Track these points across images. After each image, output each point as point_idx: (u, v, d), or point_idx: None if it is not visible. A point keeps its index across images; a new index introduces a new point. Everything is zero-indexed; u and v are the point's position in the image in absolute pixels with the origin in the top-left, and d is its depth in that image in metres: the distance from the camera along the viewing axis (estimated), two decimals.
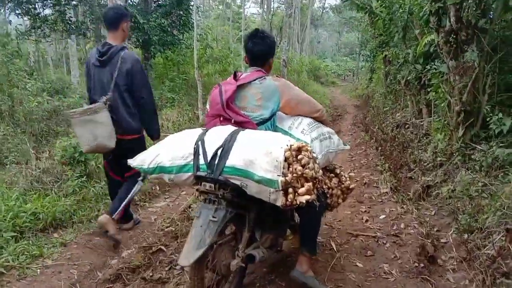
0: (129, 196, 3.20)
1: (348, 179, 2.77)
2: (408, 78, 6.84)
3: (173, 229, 3.69)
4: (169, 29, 11.96)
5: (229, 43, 18.99)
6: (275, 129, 2.59)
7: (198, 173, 2.17)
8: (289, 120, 2.67)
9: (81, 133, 3.16)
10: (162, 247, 3.30)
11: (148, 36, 11.94)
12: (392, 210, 4.11)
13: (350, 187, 2.79)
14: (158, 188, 4.80)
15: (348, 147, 3.06)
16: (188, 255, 2.01)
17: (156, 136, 3.46)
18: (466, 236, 3.43)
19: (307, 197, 2.07)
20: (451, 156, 4.82)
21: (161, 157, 2.31)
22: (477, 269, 2.97)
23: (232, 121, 2.46)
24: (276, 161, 2.02)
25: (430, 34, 5.21)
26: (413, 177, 5.36)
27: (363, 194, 4.61)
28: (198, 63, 7.61)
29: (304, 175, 2.08)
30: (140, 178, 2.85)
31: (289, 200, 2.05)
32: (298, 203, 2.06)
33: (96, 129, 3.10)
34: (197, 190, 2.27)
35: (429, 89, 5.87)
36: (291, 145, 2.11)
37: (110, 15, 3.32)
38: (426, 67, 5.76)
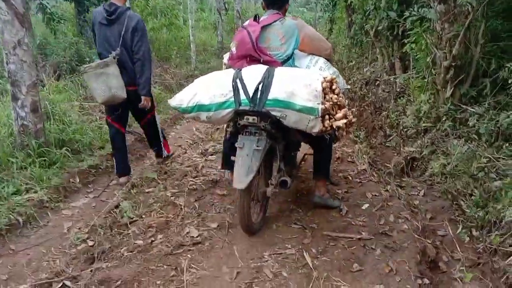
0: (160, 129, 3.94)
1: (351, 114, 2.63)
2: (379, 27, 5.92)
3: (91, 244, 2.70)
4: None
5: None
6: (294, 67, 2.81)
7: (241, 108, 2.39)
8: (306, 59, 2.90)
9: (96, 85, 3.37)
10: (67, 283, 2.30)
11: None
12: (376, 195, 3.29)
13: (352, 121, 2.64)
14: (78, 180, 3.71)
15: (349, 86, 3.49)
16: (241, 180, 2.30)
17: (144, 94, 3.58)
18: (475, 231, 2.68)
19: (344, 120, 2.39)
20: (437, 121, 4.04)
21: (199, 96, 2.49)
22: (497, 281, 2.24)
23: (261, 60, 2.63)
24: (316, 91, 2.31)
25: None
26: (391, 146, 4.59)
27: (337, 173, 3.75)
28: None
29: (338, 102, 2.40)
30: None
31: (326, 125, 2.36)
32: (335, 127, 2.39)
33: (110, 81, 3.34)
34: (237, 124, 2.49)
35: (405, 40, 4.98)
36: (324, 78, 2.40)
37: None
38: (405, 13, 4.84)
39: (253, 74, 2.47)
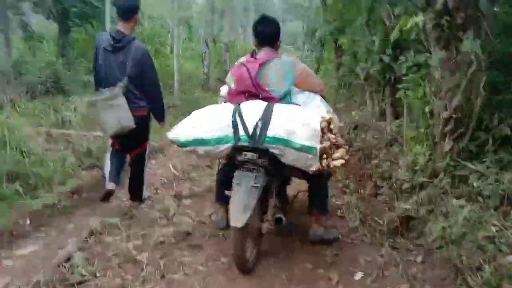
0: (145, 169, 3.78)
1: (347, 153, 2.65)
2: (370, 71, 5.71)
3: None
4: None
5: (168, 23, 17.11)
6: (292, 103, 2.79)
7: (240, 143, 2.44)
8: (303, 96, 2.89)
9: (106, 117, 3.34)
10: None
11: (64, 7, 9.95)
12: (369, 261, 2.89)
13: (346, 158, 2.62)
14: (28, 222, 3.20)
15: (342, 124, 3.58)
16: (238, 218, 2.30)
17: (162, 119, 3.72)
18: None
19: (342, 161, 2.49)
20: (434, 176, 3.72)
21: (197, 130, 2.50)
22: None
23: (260, 96, 2.67)
24: (314, 130, 2.41)
25: (411, 16, 4.06)
26: (382, 198, 4.24)
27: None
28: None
29: (336, 142, 2.51)
30: None
31: (323, 164, 2.45)
32: (332, 166, 2.50)
33: (119, 113, 3.30)
34: (235, 160, 2.49)
35: (399, 86, 4.74)
36: (323, 117, 2.54)
37: (122, 6, 3.48)
38: (400, 58, 4.63)
39: (252, 110, 2.50)
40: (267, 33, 2.94)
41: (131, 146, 3.64)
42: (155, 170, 4.99)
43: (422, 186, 3.81)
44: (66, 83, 8.39)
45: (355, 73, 7.31)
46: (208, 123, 2.52)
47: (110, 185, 3.51)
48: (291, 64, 2.84)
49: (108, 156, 3.66)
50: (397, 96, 4.88)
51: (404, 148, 4.61)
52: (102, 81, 3.46)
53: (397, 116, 5.61)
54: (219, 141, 2.46)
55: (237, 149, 2.47)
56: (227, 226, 2.85)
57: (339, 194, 4.18)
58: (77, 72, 9.36)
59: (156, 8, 18.38)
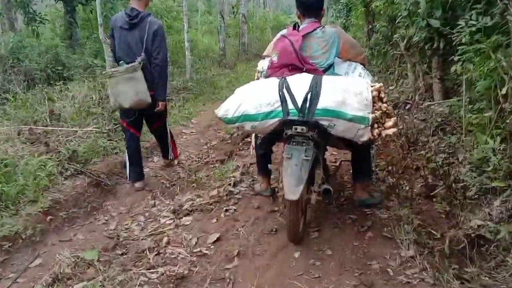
0: (169, 133, 4.07)
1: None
2: (415, 38, 4.64)
3: None
4: None
5: None
6: (334, 75, 2.77)
7: (289, 117, 2.39)
8: (344, 66, 2.87)
9: (124, 89, 3.40)
10: None
11: None
12: None
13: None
14: None
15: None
16: (292, 191, 2.27)
17: (162, 99, 3.65)
18: None
19: (394, 129, 2.45)
20: None
21: (244, 106, 2.47)
22: None
23: (304, 69, 2.64)
24: (366, 100, 2.34)
25: None
26: (439, 207, 3.31)
27: (369, 261, 2.48)
28: (101, 17, 5.08)
29: (387, 111, 2.43)
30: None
31: (375, 134, 2.41)
32: (384, 136, 2.47)
33: (137, 86, 3.39)
34: (284, 134, 2.45)
35: (454, 57, 3.70)
36: (373, 86, 2.45)
37: None
38: (452, 22, 3.58)
39: (300, 83, 2.46)
40: (311, 3, 2.83)
41: (150, 122, 3.90)
42: (158, 170, 4.21)
43: (496, 192, 2.86)
44: (69, 68, 7.64)
45: (392, 42, 6.22)
46: (255, 99, 2.48)
47: (137, 185, 3.70)
48: (334, 35, 2.77)
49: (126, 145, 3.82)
50: (451, 70, 3.84)
51: (463, 137, 3.62)
52: (118, 59, 3.55)
53: (446, 94, 4.58)
54: (267, 115, 2.43)
55: (285, 123, 2.43)
56: (272, 194, 3.13)
57: (377, 190, 3.26)
58: (84, 55, 8.60)
59: None
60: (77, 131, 4.40)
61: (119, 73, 3.40)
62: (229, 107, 2.56)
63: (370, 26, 8.21)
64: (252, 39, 14.94)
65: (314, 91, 2.39)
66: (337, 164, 3.89)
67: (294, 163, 2.35)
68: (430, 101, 4.79)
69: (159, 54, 3.50)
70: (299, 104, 2.39)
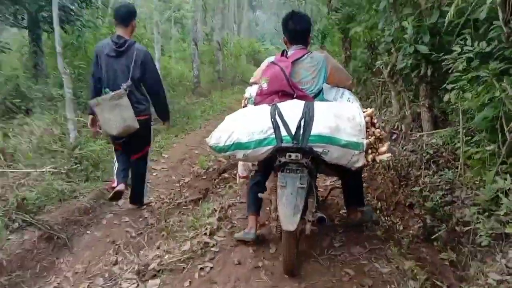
0: (147, 177, 3.94)
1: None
2: (401, 65, 4.39)
3: None
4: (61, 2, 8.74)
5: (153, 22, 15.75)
6: (324, 100, 2.79)
7: (283, 144, 2.34)
8: (333, 91, 2.94)
9: (110, 117, 3.41)
10: None
11: (31, 11, 8.69)
12: None
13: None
14: None
15: None
16: (289, 221, 2.22)
17: (166, 119, 3.92)
18: None
19: (388, 154, 2.43)
20: None
21: (236, 134, 2.42)
22: None
23: (294, 95, 2.63)
24: (360, 125, 2.33)
25: None
26: (437, 247, 2.95)
27: None
28: (60, 45, 4.64)
29: (380, 136, 2.42)
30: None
31: (369, 159, 2.39)
32: (378, 161, 2.46)
33: (123, 113, 3.39)
34: (276, 162, 2.37)
35: (449, 86, 3.40)
36: (365, 111, 2.44)
37: (122, 12, 3.59)
38: (445, 49, 3.32)
39: (292, 110, 2.43)
40: (299, 30, 2.83)
41: (133, 150, 3.76)
42: (122, 215, 3.71)
43: (509, 239, 2.51)
44: (31, 99, 7.07)
45: (373, 69, 6.00)
46: (246, 126, 2.43)
47: (119, 186, 3.60)
48: (323, 60, 2.77)
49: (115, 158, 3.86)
50: (444, 99, 3.56)
51: (461, 172, 3.30)
52: (104, 87, 3.54)
53: (436, 124, 4.31)
54: (260, 143, 2.39)
55: (279, 151, 2.38)
56: (255, 239, 2.78)
57: (376, 251, 2.84)
58: (47, 85, 8.04)
59: (142, 9, 17.05)
60: (30, 173, 3.86)
61: (105, 101, 3.41)
62: (221, 135, 2.49)
63: (348, 53, 8.05)
64: (227, 66, 14.71)
65: (307, 117, 2.36)
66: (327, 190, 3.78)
67: (289, 191, 2.29)
68: (418, 130, 4.50)
69: (153, 84, 3.61)
70: (293, 130, 2.35)
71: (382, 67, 5.04)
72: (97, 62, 3.58)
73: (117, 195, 3.58)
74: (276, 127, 2.37)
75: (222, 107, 9.85)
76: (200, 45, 19.46)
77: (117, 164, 3.80)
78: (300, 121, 2.35)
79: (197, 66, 10.76)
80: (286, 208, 2.25)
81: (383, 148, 2.41)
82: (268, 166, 2.67)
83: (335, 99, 2.88)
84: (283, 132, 2.36)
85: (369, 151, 2.38)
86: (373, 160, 2.42)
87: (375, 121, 2.46)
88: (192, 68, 10.60)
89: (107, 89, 3.49)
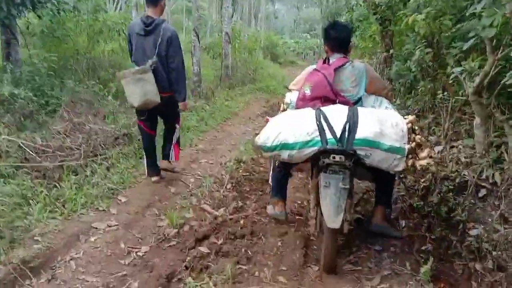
0: (178, 135, 4.22)
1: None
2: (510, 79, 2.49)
3: None
4: None
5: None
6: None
7: (328, 147, 2.42)
8: (371, 99, 2.99)
9: (133, 90, 3.69)
10: None
11: None
12: None
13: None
14: None
15: None
16: (333, 220, 2.39)
17: (182, 99, 3.93)
18: None
19: (428, 160, 2.47)
20: None
21: (283, 135, 2.53)
22: None
23: (337, 101, 2.77)
24: (402, 131, 2.42)
25: None
26: None
27: None
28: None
29: (420, 142, 2.49)
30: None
31: (409, 164, 2.43)
32: (418, 166, 2.47)
33: (146, 87, 3.65)
34: (320, 163, 2.47)
35: None
36: (406, 118, 2.55)
37: None
38: None
39: (337, 114, 2.52)
40: (341, 39, 2.96)
41: (165, 123, 4.18)
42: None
43: None
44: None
45: (431, 75, 4.11)
46: (293, 128, 2.53)
47: (154, 179, 4.08)
48: (363, 70, 2.91)
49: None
50: None
51: None
52: (136, 62, 3.78)
53: None
54: (305, 144, 2.48)
55: (322, 152, 2.44)
56: (286, 218, 3.12)
57: None
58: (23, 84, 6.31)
59: None
60: None
61: (129, 74, 3.68)
62: (269, 136, 2.60)
63: (390, 51, 6.12)
64: (239, 61, 12.83)
65: (352, 121, 2.44)
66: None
67: (332, 192, 2.42)
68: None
69: (174, 59, 3.75)
70: (338, 134, 2.44)
71: (465, 77, 3.13)
72: (130, 41, 3.88)
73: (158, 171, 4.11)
74: (321, 130, 2.47)
75: (225, 114, 7.99)
76: (211, 38, 17.67)
77: (145, 155, 4.09)
78: (345, 124, 2.44)
79: (198, 62, 8.90)
80: (330, 207, 2.40)
81: (423, 154, 2.48)
82: (289, 165, 2.94)
83: (373, 107, 2.92)
84: (328, 135, 2.45)
85: (409, 156, 2.43)
86: (413, 165, 2.45)
87: (416, 127, 2.55)
88: (192, 63, 8.78)
89: (135, 65, 3.77)
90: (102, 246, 2.95)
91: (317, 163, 2.52)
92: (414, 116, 2.59)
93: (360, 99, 2.89)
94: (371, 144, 2.37)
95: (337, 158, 2.39)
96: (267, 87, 12.02)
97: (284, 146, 2.52)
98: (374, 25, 6.78)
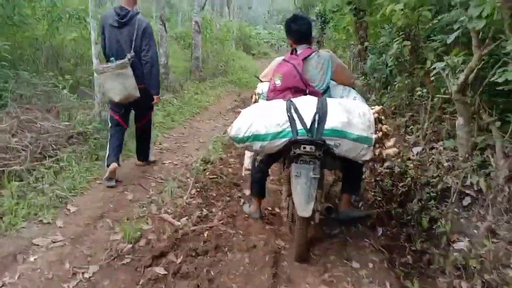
0: (152, 135, 4.28)
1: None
2: (498, 77, 2.24)
3: None
4: None
5: None
6: (331, 97, 2.92)
7: (298, 137, 2.48)
8: (339, 89, 3.10)
9: (112, 85, 3.67)
10: None
11: None
12: None
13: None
14: None
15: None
16: (304, 208, 2.44)
17: (156, 92, 3.94)
18: None
19: (394, 149, 2.55)
20: None
21: (255, 126, 2.57)
22: None
23: (307, 91, 2.82)
24: (369, 121, 2.48)
25: None
26: None
27: None
28: None
29: (387, 132, 2.55)
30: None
31: (376, 153, 2.51)
32: (384, 156, 2.54)
33: (126, 81, 3.65)
34: (290, 153, 2.52)
35: None
36: (373, 108, 2.61)
37: None
38: None
39: (307, 105, 2.56)
40: (303, 31, 3.00)
41: (137, 117, 4.14)
42: None
43: None
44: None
45: (408, 72, 3.87)
46: (264, 119, 2.56)
47: (112, 165, 3.75)
48: (329, 58, 2.95)
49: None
50: None
51: None
52: (109, 56, 3.77)
53: None
54: (276, 135, 2.52)
55: (292, 143, 2.50)
56: (261, 216, 3.21)
57: None
58: None
59: None
60: None
61: (110, 69, 3.63)
62: (241, 127, 2.62)
63: (363, 44, 5.87)
64: (211, 53, 12.37)
65: (321, 112, 2.49)
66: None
67: (303, 181, 2.46)
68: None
69: (149, 51, 3.74)
70: (308, 124, 2.48)
71: (447, 74, 2.88)
72: (103, 32, 3.82)
73: (112, 175, 3.74)
74: (292, 121, 2.50)
75: (194, 109, 7.59)
76: (183, 27, 17.03)
77: (108, 147, 3.91)
78: (315, 115, 2.49)
79: (166, 52, 8.43)
80: (301, 196, 2.44)
81: (390, 143, 2.53)
82: (271, 158, 2.96)
83: (341, 97, 3.01)
84: (299, 126, 2.49)
85: (376, 145, 2.49)
86: (380, 154, 2.50)
87: (382, 117, 2.59)
88: (159, 54, 8.33)
89: (112, 58, 3.70)
90: (43, 267, 2.56)
91: (288, 154, 2.57)
92: (381, 106, 2.66)
93: (328, 88, 2.93)
94: (340, 134, 2.43)
95: (308, 148, 2.45)
96: (239, 80, 11.65)
97: (256, 137, 2.55)
98: (348, 16, 6.51)
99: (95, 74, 3.75)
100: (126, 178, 3.95)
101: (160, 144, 5.29)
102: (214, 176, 4.08)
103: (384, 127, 2.53)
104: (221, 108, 8.13)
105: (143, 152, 4.23)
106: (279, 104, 2.62)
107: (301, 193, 2.44)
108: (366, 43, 5.85)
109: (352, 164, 2.73)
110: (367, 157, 2.49)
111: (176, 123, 6.41)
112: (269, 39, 33.37)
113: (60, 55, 7.59)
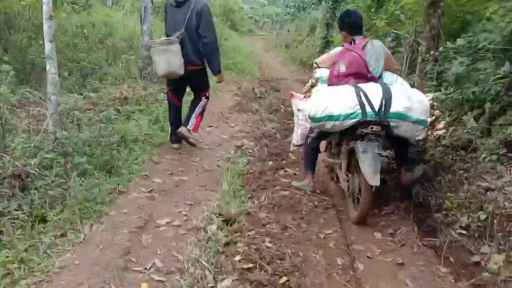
0: (203, 109, 4.33)
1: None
2: None
3: None
4: None
5: None
6: (383, 82, 3.24)
7: (368, 119, 2.89)
8: (388, 75, 3.40)
9: (159, 59, 3.89)
10: None
11: None
12: None
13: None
14: None
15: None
16: (374, 178, 2.81)
17: (217, 72, 4.18)
18: None
19: (444, 130, 3.23)
20: None
21: (330, 108, 2.96)
22: None
23: (368, 76, 3.17)
24: (426, 107, 3.00)
25: None
26: None
27: None
28: None
29: (437, 116, 3.29)
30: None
31: (428, 133, 3.12)
32: (435, 135, 3.32)
33: (171, 58, 3.82)
34: (357, 132, 2.94)
35: None
36: (427, 96, 3.21)
37: None
38: None
39: (373, 91, 2.96)
40: (358, 23, 3.40)
41: (195, 92, 4.36)
42: None
43: None
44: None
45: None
46: (339, 102, 2.94)
47: (175, 145, 4.32)
48: (381, 47, 3.32)
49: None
50: None
51: None
52: (168, 33, 3.99)
53: None
54: (348, 116, 2.92)
55: (361, 123, 2.90)
56: (313, 191, 3.54)
57: None
58: None
59: None
60: None
61: (155, 44, 3.94)
62: (318, 108, 3.01)
63: (437, 35, 4.22)
64: None
65: (387, 97, 2.91)
66: None
67: (370, 156, 2.85)
68: None
69: (207, 32, 3.90)
70: (376, 108, 2.89)
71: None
72: (165, 11, 4.13)
73: (179, 141, 4.29)
74: (362, 104, 2.90)
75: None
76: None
77: (169, 121, 4.35)
78: (382, 100, 2.90)
79: (150, 30, 6.47)
80: (370, 168, 2.81)
81: (440, 125, 3.17)
82: (322, 136, 3.47)
83: (391, 83, 3.28)
84: (368, 109, 2.89)
85: (429, 127, 3.08)
86: (431, 134, 3.16)
87: (434, 104, 3.41)
88: (142, 32, 6.41)
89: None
90: None
91: (352, 132, 2.98)
92: (433, 94, 3.39)
93: (381, 75, 3.27)
94: (402, 117, 2.91)
95: (375, 128, 2.88)
96: (234, 65, 9.81)
97: (330, 117, 2.97)
98: None
99: None
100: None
101: (146, 178, 3.52)
102: (251, 265, 2.38)
103: (436, 112, 3.26)
104: (221, 107, 6.33)
105: (187, 117, 4.25)
106: (348, 89, 3.02)
107: (369, 166, 2.81)
108: (436, 34, 4.19)
109: (401, 143, 3.20)
110: (421, 137, 3.06)
111: (166, 134, 4.58)
112: (252, 15, 31.27)
113: (12, 26, 5.65)
